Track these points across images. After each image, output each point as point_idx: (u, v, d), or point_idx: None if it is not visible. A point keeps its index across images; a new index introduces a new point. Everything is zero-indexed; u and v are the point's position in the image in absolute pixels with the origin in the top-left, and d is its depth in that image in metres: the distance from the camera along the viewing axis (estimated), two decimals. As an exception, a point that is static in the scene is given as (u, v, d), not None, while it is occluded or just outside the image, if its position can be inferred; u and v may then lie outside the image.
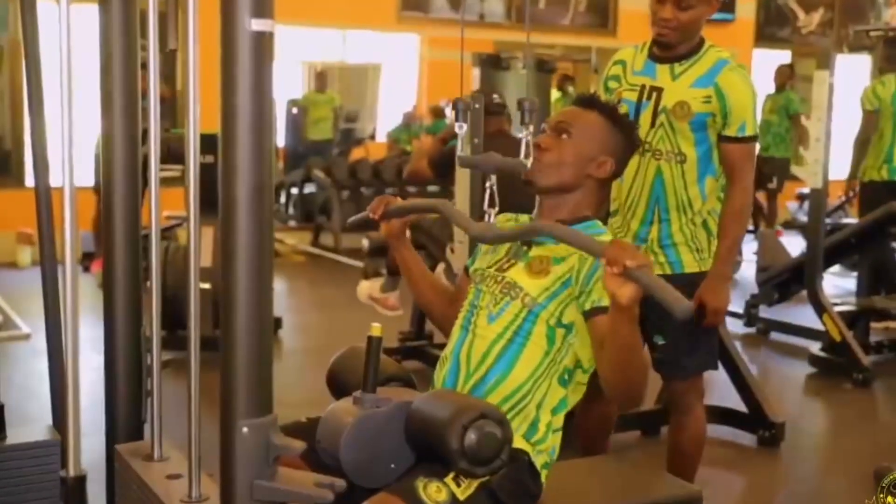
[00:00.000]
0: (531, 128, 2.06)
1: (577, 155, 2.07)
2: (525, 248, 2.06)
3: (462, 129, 2.15)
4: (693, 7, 2.62)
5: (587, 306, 1.92)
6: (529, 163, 2.03)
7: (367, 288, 4.54)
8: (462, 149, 2.21)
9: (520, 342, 1.96)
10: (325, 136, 10.15)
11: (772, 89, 8.88)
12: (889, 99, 5.87)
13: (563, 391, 1.98)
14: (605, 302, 1.83)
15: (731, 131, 2.65)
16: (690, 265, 2.74)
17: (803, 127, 8.41)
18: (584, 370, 2.01)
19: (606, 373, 1.86)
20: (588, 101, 2.17)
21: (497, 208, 2.12)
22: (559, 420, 1.99)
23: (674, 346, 2.77)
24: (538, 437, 1.95)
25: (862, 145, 5.99)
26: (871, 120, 5.92)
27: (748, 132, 2.66)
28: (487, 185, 2.09)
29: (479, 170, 2.10)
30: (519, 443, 1.90)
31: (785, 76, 8.75)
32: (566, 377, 1.98)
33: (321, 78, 10.29)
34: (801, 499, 3.54)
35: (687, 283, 2.67)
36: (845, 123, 6.22)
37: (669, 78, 2.69)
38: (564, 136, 2.09)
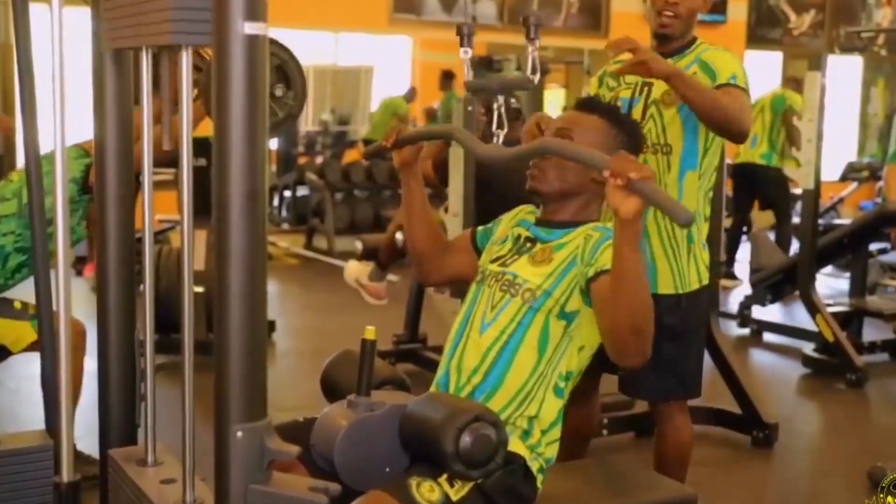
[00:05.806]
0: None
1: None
2: (529, 244, 2.06)
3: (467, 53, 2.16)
4: None
5: (591, 273, 1.88)
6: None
7: (356, 271, 4.48)
8: None
9: (511, 349, 1.94)
10: None
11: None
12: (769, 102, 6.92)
13: (559, 402, 1.96)
14: (611, 265, 1.79)
15: (722, 79, 2.55)
16: (666, 285, 2.64)
17: None
18: (575, 376, 1.99)
19: (611, 318, 1.79)
20: (589, 105, 2.16)
21: (505, 129, 2.10)
22: (555, 433, 1.96)
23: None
24: (532, 442, 1.94)
25: None
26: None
27: (740, 83, 2.56)
28: (495, 106, 2.06)
29: (489, 93, 2.11)
30: (515, 446, 1.89)
31: None
32: (562, 386, 1.96)
33: None
34: (795, 499, 3.54)
35: (659, 305, 2.65)
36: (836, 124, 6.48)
37: None
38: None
